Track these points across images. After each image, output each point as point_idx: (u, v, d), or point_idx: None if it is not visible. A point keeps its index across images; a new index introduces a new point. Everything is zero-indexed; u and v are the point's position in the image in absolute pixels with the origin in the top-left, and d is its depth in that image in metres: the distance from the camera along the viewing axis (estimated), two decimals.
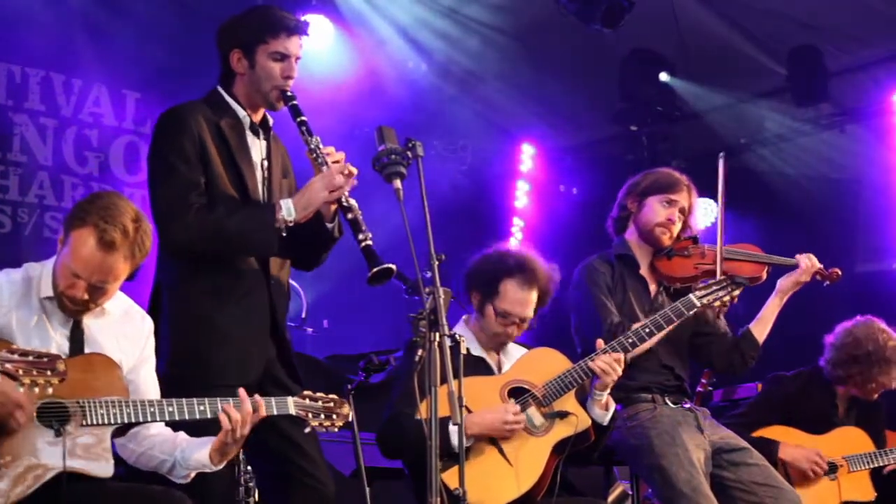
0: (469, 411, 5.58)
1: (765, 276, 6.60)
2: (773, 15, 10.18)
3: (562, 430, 5.73)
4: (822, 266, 6.63)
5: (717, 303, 6.25)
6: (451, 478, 5.08)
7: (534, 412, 5.78)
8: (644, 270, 6.66)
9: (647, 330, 6.05)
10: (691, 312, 6.24)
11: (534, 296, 5.98)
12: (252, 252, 5.23)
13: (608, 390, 5.85)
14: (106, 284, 4.68)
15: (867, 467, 7.24)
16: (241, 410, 4.73)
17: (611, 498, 6.59)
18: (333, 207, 5.26)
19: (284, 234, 5.17)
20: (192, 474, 4.89)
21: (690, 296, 6.22)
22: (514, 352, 6.12)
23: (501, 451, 5.66)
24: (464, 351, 4.78)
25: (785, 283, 6.64)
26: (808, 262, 6.58)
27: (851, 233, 11.46)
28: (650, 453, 6.22)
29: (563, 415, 5.75)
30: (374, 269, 4.92)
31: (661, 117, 11.64)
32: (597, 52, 10.63)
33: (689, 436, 6.26)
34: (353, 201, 5.16)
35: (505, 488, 5.58)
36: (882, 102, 10.83)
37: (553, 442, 5.71)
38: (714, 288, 6.25)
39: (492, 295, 5.96)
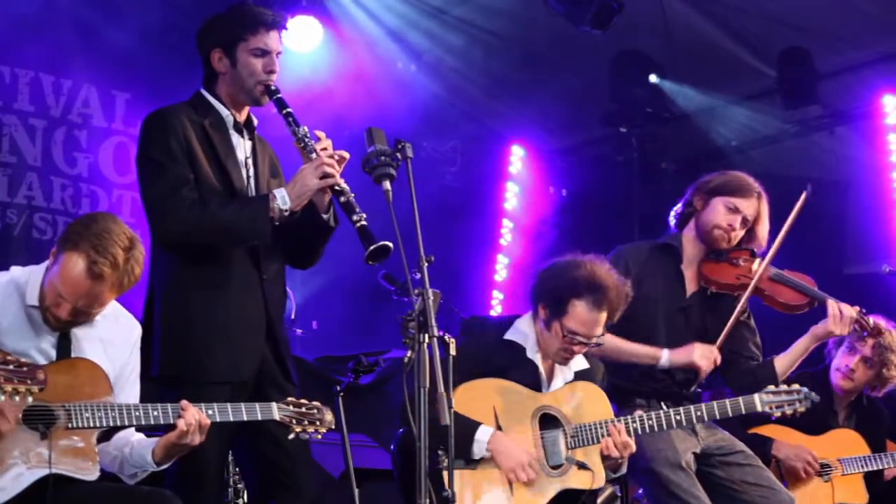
0: (497, 420, 5.57)
1: (805, 306, 6.49)
2: (763, 16, 10.19)
3: (574, 481, 5.61)
4: (861, 317, 6.50)
5: (779, 412, 6.08)
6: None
7: (561, 443, 5.67)
8: (686, 266, 6.51)
9: (678, 418, 5.93)
10: (744, 413, 6.09)
11: (603, 316, 5.73)
12: (247, 241, 5.24)
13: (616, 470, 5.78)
14: (90, 309, 4.73)
15: (861, 470, 7.23)
16: (186, 416, 4.70)
17: (600, 499, 6.57)
18: (327, 197, 5.27)
19: (278, 224, 5.17)
20: (140, 474, 4.88)
21: (755, 397, 6.03)
22: (572, 362, 5.94)
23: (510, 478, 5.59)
24: (453, 352, 4.73)
25: (818, 331, 6.46)
26: (836, 313, 6.37)
27: (841, 235, 11.46)
28: (641, 455, 6.19)
29: (582, 465, 5.61)
30: (371, 248, 4.92)
31: (651, 119, 11.64)
32: (586, 53, 10.63)
33: (679, 438, 6.25)
34: (345, 185, 5.17)
35: None
36: (872, 104, 10.83)
37: (561, 489, 5.60)
38: (784, 396, 6.05)
39: (560, 313, 5.72)
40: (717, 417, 6.06)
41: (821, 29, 10.23)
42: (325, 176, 5.14)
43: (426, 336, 4.52)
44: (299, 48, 9.78)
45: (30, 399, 4.27)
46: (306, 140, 5.24)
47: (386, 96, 10.63)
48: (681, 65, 11.08)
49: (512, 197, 12.58)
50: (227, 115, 5.40)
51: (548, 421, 5.71)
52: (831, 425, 7.35)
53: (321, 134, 5.30)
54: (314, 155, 5.19)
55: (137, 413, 4.68)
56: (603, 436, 5.66)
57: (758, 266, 6.42)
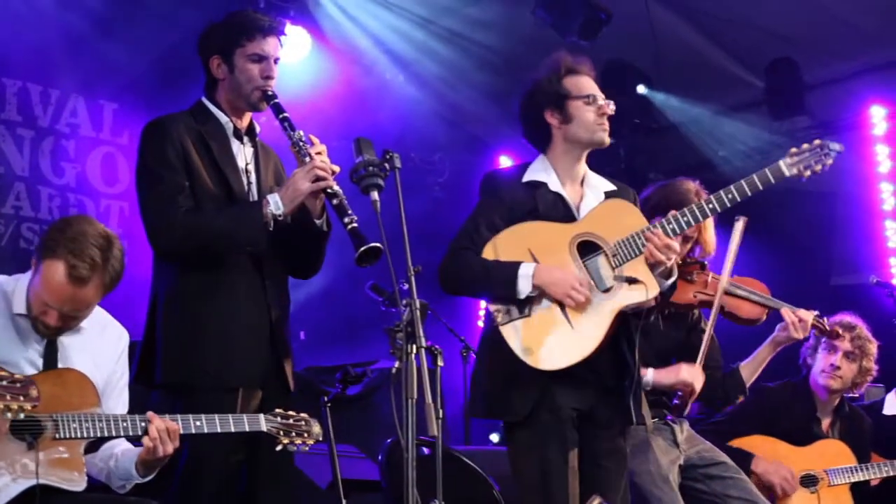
0: (535, 260, 5.37)
1: (764, 318, 6.52)
2: (751, 28, 10.22)
3: (628, 297, 5.37)
4: (818, 320, 6.56)
5: (808, 172, 5.77)
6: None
7: (604, 267, 5.43)
8: None
9: (711, 207, 5.50)
10: (773, 181, 5.54)
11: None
12: (241, 247, 5.25)
13: (664, 268, 5.41)
14: (78, 313, 4.74)
15: (847, 481, 7.23)
16: (150, 429, 4.68)
17: None
18: (320, 202, 5.30)
19: (272, 229, 5.19)
20: (128, 486, 4.88)
21: (781, 164, 5.51)
22: (598, 183, 5.71)
23: (564, 312, 5.33)
24: (441, 363, 4.73)
25: (779, 337, 6.55)
26: (794, 320, 6.45)
27: (828, 246, 11.48)
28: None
29: (631, 280, 5.36)
30: (362, 248, 4.93)
31: (639, 130, 11.65)
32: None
33: (661, 451, 6.20)
34: (337, 187, 5.19)
35: (565, 351, 5.29)
36: (859, 115, 10.87)
37: (618, 308, 5.36)
38: (807, 154, 5.51)
39: (567, 96, 5.54)
40: (748, 194, 5.58)
41: (808, 40, 10.27)
42: (318, 179, 5.16)
43: (414, 346, 4.52)
44: (287, 59, 9.77)
45: (22, 416, 4.28)
46: (301, 144, 5.27)
47: (374, 107, 10.64)
48: (669, 76, 11.10)
49: None
50: (226, 122, 5.44)
51: (586, 248, 5.48)
52: (816, 434, 7.35)
53: (315, 139, 5.33)
54: (308, 159, 5.22)
55: (125, 423, 4.67)
56: (643, 245, 5.39)
57: (713, 279, 6.39)
